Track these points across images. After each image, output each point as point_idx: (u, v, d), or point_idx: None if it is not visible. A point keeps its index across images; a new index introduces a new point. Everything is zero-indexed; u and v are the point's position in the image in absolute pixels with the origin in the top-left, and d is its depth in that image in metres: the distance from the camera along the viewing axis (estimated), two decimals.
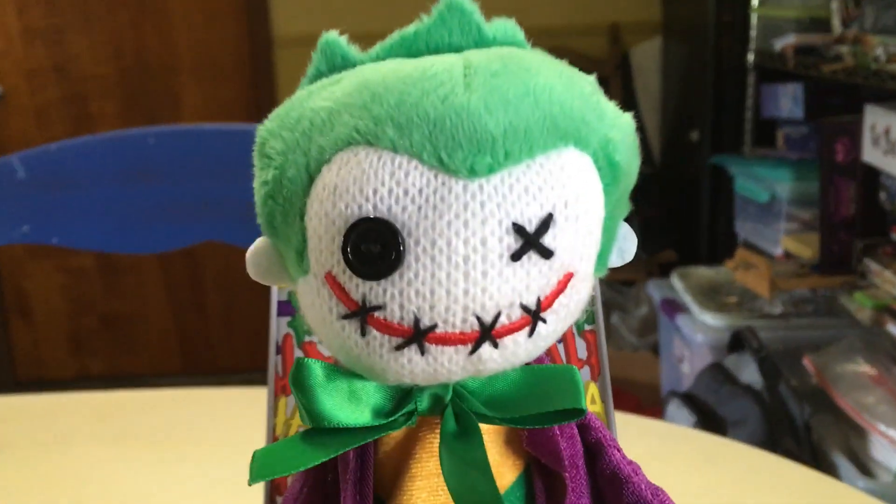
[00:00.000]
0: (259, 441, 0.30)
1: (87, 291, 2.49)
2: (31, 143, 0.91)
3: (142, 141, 0.81)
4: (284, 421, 0.28)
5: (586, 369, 0.28)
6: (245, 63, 2.46)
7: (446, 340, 0.18)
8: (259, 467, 0.19)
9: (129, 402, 0.75)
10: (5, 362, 2.48)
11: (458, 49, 0.19)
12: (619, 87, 2.46)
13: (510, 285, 0.18)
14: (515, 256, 0.18)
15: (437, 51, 0.19)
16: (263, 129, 0.21)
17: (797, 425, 1.49)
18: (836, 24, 1.57)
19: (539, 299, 0.18)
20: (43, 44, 2.33)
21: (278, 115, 0.20)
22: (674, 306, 1.84)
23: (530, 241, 0.17)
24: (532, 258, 0.18)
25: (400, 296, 0.17)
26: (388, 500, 0.20)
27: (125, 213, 0.82)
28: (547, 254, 0.18)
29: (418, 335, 0.17)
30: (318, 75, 0.20)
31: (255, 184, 0.21)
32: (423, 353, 0.18)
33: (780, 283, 1.63)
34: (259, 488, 0.32)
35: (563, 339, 0.28)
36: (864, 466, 1.41)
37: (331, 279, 0.18)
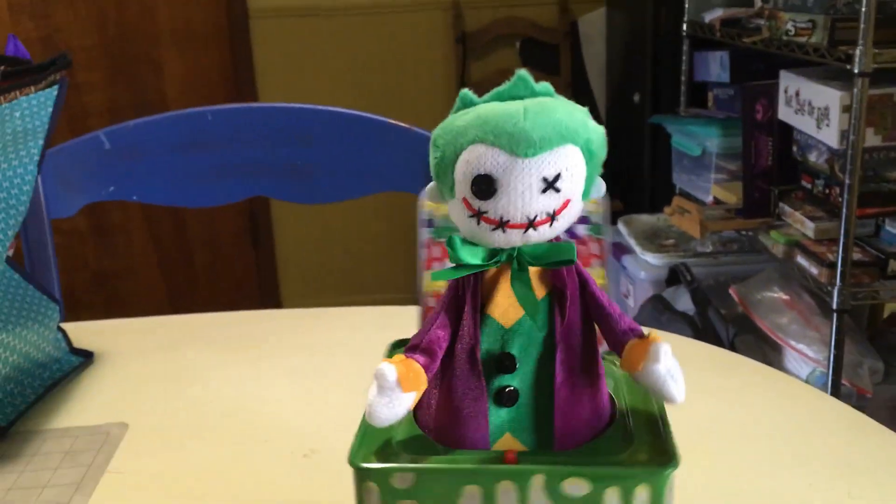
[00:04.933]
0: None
1: (80, 251, 2.66)
2: None
3: (202, 117, 1.01)
4: (428, 283, 0.50)
5: (598, 261, 0.51)
6: (223, 33, 2.61)
7: (513, 227, 0.40)
8: (437, 275, 0.40)
9: (218, 321, 0.92)
10: None
11: (523, 98, 0.41)
12: (569, 54, 2.61)
13: (541, 204, 0.40)
14: (543, 192, 0.40)
15: (512, 99, 0.41)
16: (435, 133, 0.42)
17: (724, 345, 1.74)
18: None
19: (554, 210, 0.40)
20: (30, 18, 2.45)
21: (443, 126, 0.42)
22: (620, 249, 2.07)
23: (550, 185, 0.40)
24: (550, 193, 0.40)
25: (495, 207, 0.40)
26: (485, 306, 0.42)
27: (189, 174, 1.03)
28: (557, 191, 0.40)
29: (502, 224, 0.40)
30: (459, 108, 0.42)
31: (431, 155, 0.42)
32: (503, 232, 0.40)
33: (710, 226, 1.86)
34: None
35: (586, 243, 0.51)
36: None
37: (465, 200, 0.40)
